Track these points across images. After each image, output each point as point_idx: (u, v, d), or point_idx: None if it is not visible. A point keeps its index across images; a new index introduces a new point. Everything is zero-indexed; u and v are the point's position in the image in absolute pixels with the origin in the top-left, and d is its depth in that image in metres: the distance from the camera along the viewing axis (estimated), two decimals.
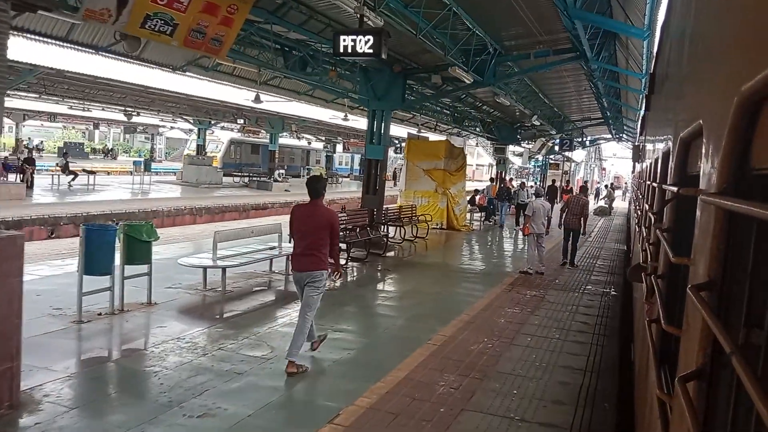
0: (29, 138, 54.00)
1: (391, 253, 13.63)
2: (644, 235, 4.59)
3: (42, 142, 52.63)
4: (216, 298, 8.32)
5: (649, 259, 3.65)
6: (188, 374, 5.33)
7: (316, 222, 5.69)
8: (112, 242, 6.87)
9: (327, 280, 5.92)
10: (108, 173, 33.98)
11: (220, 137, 41.74)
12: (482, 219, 21.89)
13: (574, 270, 12.63)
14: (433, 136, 28.03)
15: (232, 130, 40.88)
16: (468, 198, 22.26)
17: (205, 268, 8.52)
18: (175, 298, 8.02)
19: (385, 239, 13.40)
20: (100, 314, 6.94)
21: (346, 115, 22.34)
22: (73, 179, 23.29)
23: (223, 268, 8.46)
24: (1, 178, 20.26)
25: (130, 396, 4.89)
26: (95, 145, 57.39)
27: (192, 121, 34.76)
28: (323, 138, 48.33)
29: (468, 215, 20.87)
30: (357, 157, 50.93)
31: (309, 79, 15.00)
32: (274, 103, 24.16)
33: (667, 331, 2.16)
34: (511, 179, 28.53)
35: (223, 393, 4.95)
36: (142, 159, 34.17)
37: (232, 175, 36.07)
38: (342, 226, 11.88)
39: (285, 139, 43.58)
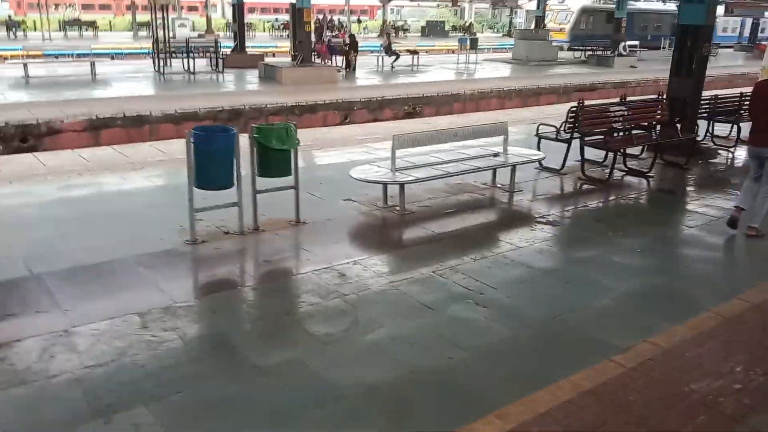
0: (398, 19, 58.00)
1: (715, 160, 9.64)
2: None
3: (406, 21, 55.71)
4: (388, 219, 6.57)
5: None
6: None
7: None
8: (228, 150, 5.60)
9: None
10: (442, 51, 33.62)
11: (571, 6, 37.23)
12: None
13: None
14: None
15: None
16: None
17: (384, 184, 6.75)
18: (333, 216, 6.53)
19: (694, 142, 9.37)
20: (227, 233, 5.94)
21: None
22: (395, 60, 23.37)
23: (401, 184, 6.58)
24: (325, 61, 21.40)
25: None
26: (455, 23, 58.13)
27: None
28: None
29: None
30: (748, 22, 40.40)
31: None
32: None
33: None
34: None
35: None
36: (467, 37, 32.54)
37: (576, 50, 31.98)
38: (619, 125, 8.61)
39: (648, 3, 36.62)
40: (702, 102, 10.30)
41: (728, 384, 3.63)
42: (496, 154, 7.62)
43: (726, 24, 44.72)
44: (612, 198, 7.71)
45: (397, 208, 6.71)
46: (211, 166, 5.59)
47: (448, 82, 20.17)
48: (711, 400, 3.48)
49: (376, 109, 16.41)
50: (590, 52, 28.79)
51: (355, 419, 3.28)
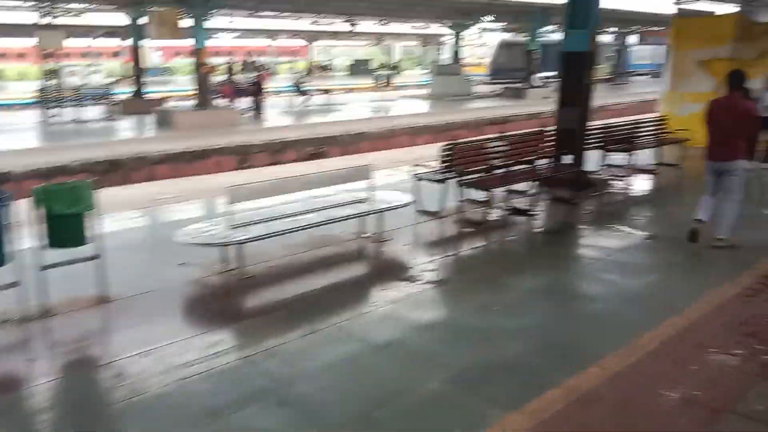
0: (325, 59, 57.73)
1: (607, 192, 9.17)
2: None
3: (331, 61, 55.61)
4: (220, 288, 5.63)
5: None
6: None
7: (732, 114, 6.05)
8: None
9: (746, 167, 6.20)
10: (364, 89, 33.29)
11: (490, 41, 37.78)
12: None
13: None
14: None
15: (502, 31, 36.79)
16: None
17: (213, 246, 5.79)
18: (155, 288, 5.54)
19: (582, 175, 8.88)
20: (4, 322, 4.85)
21: None
22: (306, 100, 22.74)
23: (237, 245, 5.67)
24: (233, 101, 20.50)
25: None
26: (385, 61, 58.40)
27: (450, 25, 31.59)
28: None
29: None
30: (660, 50, 42.05)
31: None
32: None
33: None
34: None
35: None
36: (384, 73, 32.45)
37: (496, 83, 32.18)
38: (501, 162, 8.02)
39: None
40: (593, 132, 9.92)
41: None
42: (361, 201, 6.86)
43: (642, 52, 46.45)
44: (489, 243, 7.02)
45: (243, 268, 5.80)
46: None
47: (357, 121, 19.56)
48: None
49: (278, 152, 15.56)
50: (506, 86, 28.98)
51: None
